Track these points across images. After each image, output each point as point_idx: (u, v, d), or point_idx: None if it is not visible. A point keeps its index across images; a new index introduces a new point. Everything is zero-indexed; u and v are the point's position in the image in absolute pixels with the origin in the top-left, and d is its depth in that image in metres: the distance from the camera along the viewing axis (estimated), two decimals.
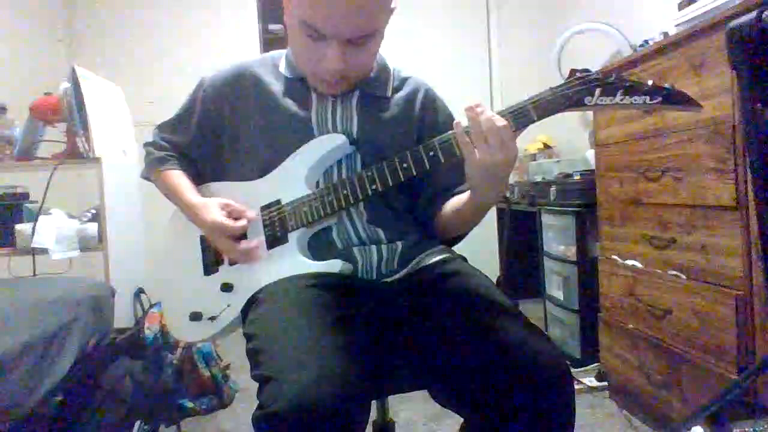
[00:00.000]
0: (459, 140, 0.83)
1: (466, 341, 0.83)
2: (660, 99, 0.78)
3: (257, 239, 1.00)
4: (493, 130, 0.80)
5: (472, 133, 0.81)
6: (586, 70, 0.81)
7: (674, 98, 0.78)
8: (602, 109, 0.83)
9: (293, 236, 0.98)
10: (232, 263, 1.03)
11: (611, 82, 0.79)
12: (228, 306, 1.01)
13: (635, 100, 0.79)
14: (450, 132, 0.88)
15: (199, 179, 1.13)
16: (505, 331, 0.82)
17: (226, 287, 1.02)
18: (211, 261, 1.07)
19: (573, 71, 0.82)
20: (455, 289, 0.93)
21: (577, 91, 0.80)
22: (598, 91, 0.79)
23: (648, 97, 0.78)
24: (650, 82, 0.78)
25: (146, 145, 1.17)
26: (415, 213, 1.11)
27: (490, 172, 0.83)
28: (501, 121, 0.80)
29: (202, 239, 1.09)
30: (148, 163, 1.15)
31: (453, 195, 1.06)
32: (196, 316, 1.04)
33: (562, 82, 0.82)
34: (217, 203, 1.01)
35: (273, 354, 0.75)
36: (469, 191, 0.94)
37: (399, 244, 1.01)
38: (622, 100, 0.79)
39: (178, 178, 1.10)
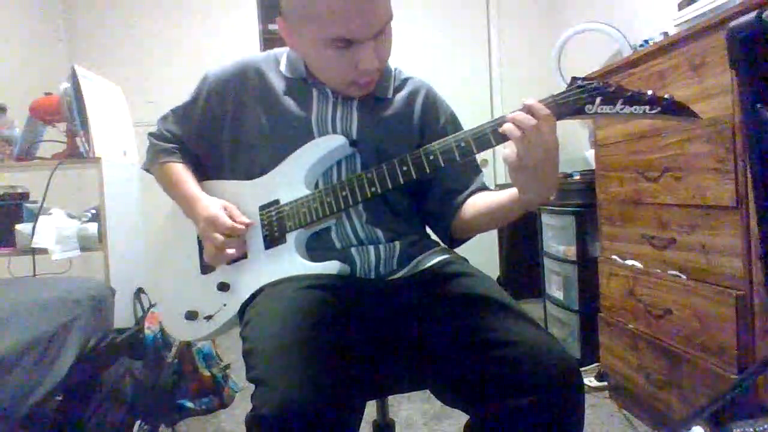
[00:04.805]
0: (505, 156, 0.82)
1: (473, 340, 0.83)
2: (659, 109, 0.78)
3: (246, 241, 1.00)
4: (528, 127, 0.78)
5: (512, 136, 0.80)
6: (587, 78, 0.82)
7: (673, 108, 0.79)
8: (601, 118, 0.84)
9: (291, 236, 0.98)
10: (229, 262, 1.03)
11: (612, 91, 0.79)
12: (224, 305, 1.01)
13: (635, 110, 0.79)
14: (451, 136, 0.88)
15: (199, 174, 1.12)
16: (514, 329, 0.82)
17: (223, 287, 1.02)
18: None
19: (574, 79, 0.82)
20: (460, 290, 0.93)
21: (578, 99, 0.81)
22: (599, 99, 0.80)
23: (648, 107, 0.79)
24: (650, 92, 0.79)
25: (150, 135, 1.17)
26: (424, 213, 1.11)
27: (537, 171, 0.81)
28: (543, 111, 0.79)
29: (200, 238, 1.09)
30: (152, 154, 1.15)
31: (471, 194, 1.06)
32: (191, 315, 1.04)
33: (564, 88, 0.82)
34: (220, 203, 1.02)
35: (264, 357, 0.76)
36: (516, 192, 0.91)
37: (397, 243, 1.01)
38: (622, 109, 0.79)
39: (182, 171, 1.10)
